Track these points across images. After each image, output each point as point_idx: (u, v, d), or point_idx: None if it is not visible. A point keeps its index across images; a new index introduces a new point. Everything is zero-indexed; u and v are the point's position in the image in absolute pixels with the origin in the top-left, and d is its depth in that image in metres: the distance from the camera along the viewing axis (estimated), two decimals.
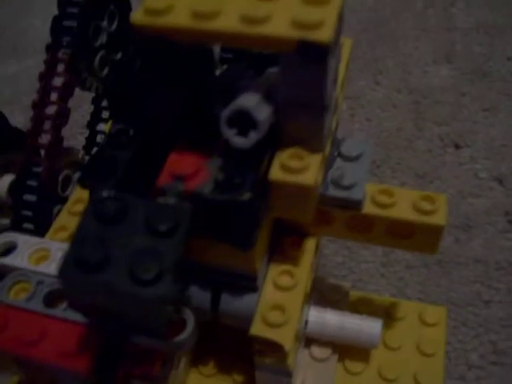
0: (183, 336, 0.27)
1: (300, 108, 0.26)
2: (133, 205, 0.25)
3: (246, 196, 0.25)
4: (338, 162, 0.32)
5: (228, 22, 0.24)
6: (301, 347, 0.37)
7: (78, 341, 0.29)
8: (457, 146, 0.66)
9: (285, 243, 0.33)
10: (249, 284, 0.31)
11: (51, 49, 0.37)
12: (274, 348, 0.30)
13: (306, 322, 0.37)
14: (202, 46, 0.27)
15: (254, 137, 0.25)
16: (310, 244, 0.34)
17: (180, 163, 0.27)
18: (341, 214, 0.32)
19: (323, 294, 0.41)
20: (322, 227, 0.33)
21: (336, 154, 0.32)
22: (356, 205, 0.31)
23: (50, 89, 0.37)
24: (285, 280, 0.32)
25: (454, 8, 0.87)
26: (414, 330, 0.41)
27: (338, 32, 0.25)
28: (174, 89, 0.27)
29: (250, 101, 0.25)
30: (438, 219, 0.32)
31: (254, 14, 0.24)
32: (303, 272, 0.32)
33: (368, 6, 0.88)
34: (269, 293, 0.31)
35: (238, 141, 0.25)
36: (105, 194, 0.25)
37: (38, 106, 0.37)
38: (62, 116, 0.38)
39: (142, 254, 0.23)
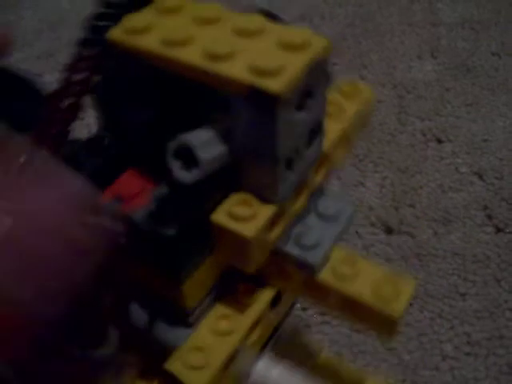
0: (104, 351, 0.26)
1: (252, 155, 0.25)
2: None
3: (171, 232, 0.24)
4: (311, 219, 0.30)
5: (190, 54, 0.23)
6: None
7: None
8: (439, 141, 0.67)
9: (239, 289, 0.31)
10: (182, 319, 0.30)
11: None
12: None
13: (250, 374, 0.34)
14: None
15: (195, 174, 0.24)
16: (264, 295, 0.31)
17: (127, 184, 0.27)
18: (297, 273, 0.30)
19: (289, 349, 0.37)
20: (280, 281, 0.31)
21: (312, 209, 0.30)
22: (310, 269, 0.28)
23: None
24: (222, 324, 0.29)
25: (439, 3, 0.88)
26: None
27: (315, 80, 0.24)
28: (143, 106, 0.27)
29: (196, 137, 0.24)
30: (393, 309, 0.27)
31: (216, 50, 0.23)
32: (245, 321, 0.30)
33: (354, 0, 0.89)
34: (201, 333, 0.29)
35: (180, 174, 0.24)
36: None
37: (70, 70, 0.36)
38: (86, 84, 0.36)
39: None
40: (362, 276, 0.29)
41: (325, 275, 0.29)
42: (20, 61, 0.82)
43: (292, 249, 0.28)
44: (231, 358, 0.29)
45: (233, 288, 0.31)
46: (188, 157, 0.24)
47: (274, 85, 0.21)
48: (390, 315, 0.27)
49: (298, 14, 0.87)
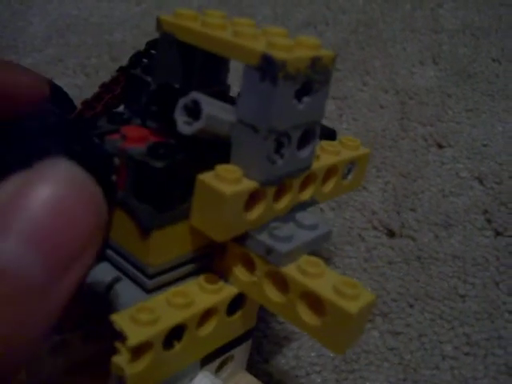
0: None
1: (248, 128, 0.27)
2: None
3: (159, 164, 0.27)
4: (289, 224, 0.31)
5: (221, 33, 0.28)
6: None
7: None
8: (440, 146, 0.68)
9: (203, 276, 0.32)
10: (142, 281, 0.30)
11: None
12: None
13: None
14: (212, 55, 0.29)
15: (196, 126, 0.26)
16: (226, 290, 0.32)
17: (134, 131, 0.29)
18: (262, 264, 0.30)
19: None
20: (243, 273, 0.32)
21: (291, 219, 0.32)
22: (276, 258, 0.29)
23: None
24: (178, 299, 0.29)
25: (441, 9, 0.89)
26: None
27: (316, 77, 0.28)
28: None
29: (206, 97, 0.27)
30: (351, 305, 0.27)
31: (244, 30, 0.27)
32: (201, 303, 0.30)
33: (358, 7, 0.90)
34: (156, 300, 0.29)
35: (182, 126, 0.27)
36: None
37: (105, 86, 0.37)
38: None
39: None
40: (325, 276, 0.29)
41: (289, 269, 0.29)
42: (29, 66, 0.83)
43: (263, 237, 0.30)
44: (177, 335, 0.29)
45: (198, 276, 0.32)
46: (195, 114, 0.27)
47: (282, 54, 0.26)
48: (346, 309, 0.27)
49: (303, 21, 0.89)
